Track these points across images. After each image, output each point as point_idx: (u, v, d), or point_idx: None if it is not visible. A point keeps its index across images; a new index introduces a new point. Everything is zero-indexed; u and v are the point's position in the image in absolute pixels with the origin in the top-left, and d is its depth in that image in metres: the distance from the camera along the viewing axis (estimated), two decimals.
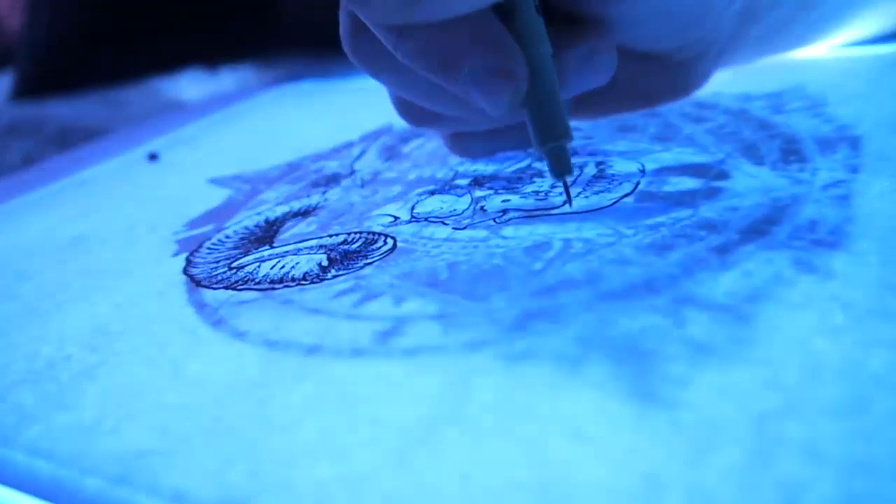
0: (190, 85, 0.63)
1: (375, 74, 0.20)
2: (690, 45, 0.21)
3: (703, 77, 0.23)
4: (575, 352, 0.15)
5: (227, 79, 0.64)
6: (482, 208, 0.24)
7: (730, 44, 0.23)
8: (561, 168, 0.19)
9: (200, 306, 0.21)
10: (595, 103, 0.23)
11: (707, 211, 0.20)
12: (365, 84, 0.26)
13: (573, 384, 0.15)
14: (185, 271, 0.24)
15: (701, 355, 0.15)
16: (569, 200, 0.21)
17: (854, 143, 0.23)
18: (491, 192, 0.25)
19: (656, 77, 0.22)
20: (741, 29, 0.23)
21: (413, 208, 0.25)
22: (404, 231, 0.23)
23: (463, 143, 0.23)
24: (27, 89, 0.65)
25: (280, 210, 0.28)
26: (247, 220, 0.28)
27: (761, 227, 0.19)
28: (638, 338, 0.15)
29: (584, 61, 0.19)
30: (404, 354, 0.17)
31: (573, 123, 0.21)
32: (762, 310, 0.16)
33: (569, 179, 0.21)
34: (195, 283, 0.23)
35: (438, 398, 0.15)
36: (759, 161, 0.23)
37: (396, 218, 0.24)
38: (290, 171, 0.33)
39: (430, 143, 0.32)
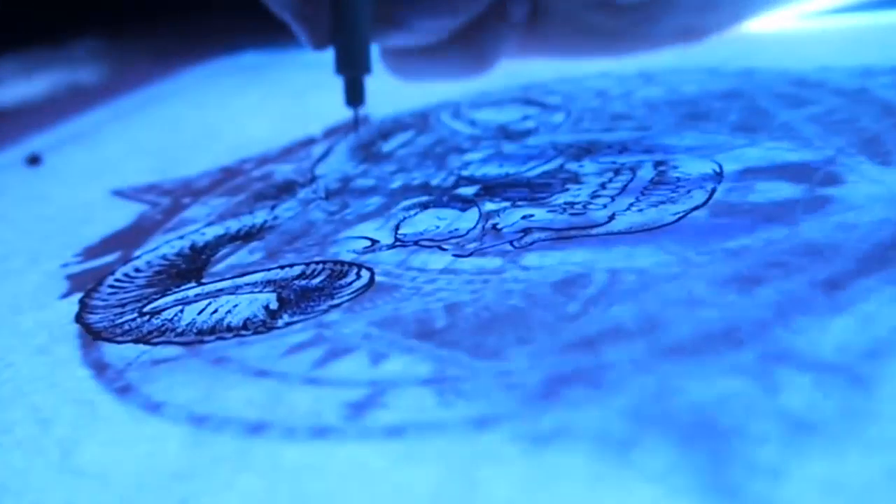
0: (85, 59, 0.64)
1: None
2: None
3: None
4: (624, 430, 0.16)
5: (136, 50, 0.64)
6: (495, 227, 0.24)
7: None
8: (353, 97, 0.27)
9: (100, 368, 0.21)
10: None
11: (810, 229, 0.21)
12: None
13: (622, 476, 0.15)
14: (78, 318, 0.24)
15: (801, 435, 0.15)
16: (354, 128, 0.30)
17: None
18: (507, 204, 0.25)
19: None
20: None
21: (398, 228, 0.25)
22: (385, 260, 0.23)
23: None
24: None
25: (212, 232, 0.28)
26: (165, 246, 0.28)
27: (887, 254, 0.19)
28: (713, 410, 0.16)
29: None
30: (386, 434, 0.17)
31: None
32: (887, 370, 0.16)
33: (615, 185, 0.23)
34: (93, 334, 0.23)
35: (434, 495, 0.15)
36: (884, 160, 0.23)
37: (374, 241, 0.25)
38: (226, 178, 0.33)
39: (421, 139, 0.32)
